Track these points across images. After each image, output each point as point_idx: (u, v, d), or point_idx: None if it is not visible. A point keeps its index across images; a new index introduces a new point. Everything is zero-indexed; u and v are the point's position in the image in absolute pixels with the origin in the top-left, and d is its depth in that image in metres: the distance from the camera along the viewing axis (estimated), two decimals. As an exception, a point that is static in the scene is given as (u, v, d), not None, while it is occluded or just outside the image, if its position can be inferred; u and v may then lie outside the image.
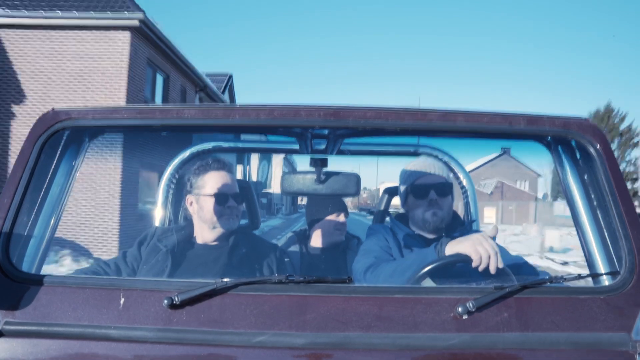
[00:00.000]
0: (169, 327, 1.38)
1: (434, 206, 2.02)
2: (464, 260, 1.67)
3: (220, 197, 2.00)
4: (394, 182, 2.45)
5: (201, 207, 2.03)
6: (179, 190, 2.39)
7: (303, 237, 2.59)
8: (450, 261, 1.70)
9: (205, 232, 2.03)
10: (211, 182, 2.02)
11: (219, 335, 1.37)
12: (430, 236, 2.06)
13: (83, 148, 1.80)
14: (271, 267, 2.01)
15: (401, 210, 2.24)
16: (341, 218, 2.56)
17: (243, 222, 2.30)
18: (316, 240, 2.56)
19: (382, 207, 2.88)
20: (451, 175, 2.21)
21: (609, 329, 1.41)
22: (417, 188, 2.06)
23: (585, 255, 1.68)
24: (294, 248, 2.54)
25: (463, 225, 2.19)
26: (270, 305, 1.41)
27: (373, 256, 1.93)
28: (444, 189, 2.06)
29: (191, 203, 2.07)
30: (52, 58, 12.52)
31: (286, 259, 2.21)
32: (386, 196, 2.88)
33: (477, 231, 2.50)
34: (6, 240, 1.49)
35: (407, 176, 2.14)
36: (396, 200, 2.71)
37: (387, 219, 2.83)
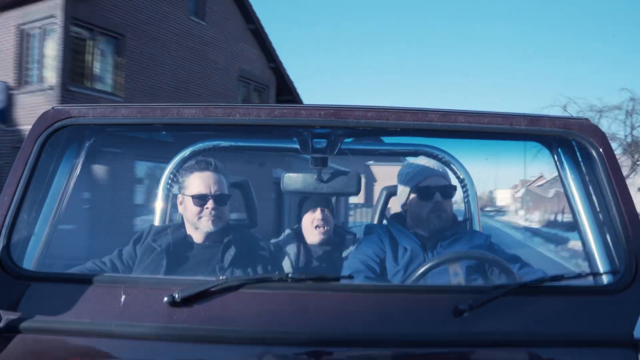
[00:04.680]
0: (170, 324, 1.38)
1: (440, 208, 2.03)
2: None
3: (200, 199, 2.00)
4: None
5: (185, 207, 2.05)
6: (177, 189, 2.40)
7: (299, 234, 2.59)
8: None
9: (192, 231, 2.04)
10: (194, 183, 2.03)
11: (219, 333, 1.37)
12: (425, 235, 2.07)
13: (84, 146, 1.81)
14: (266, 265, 2.01)
15: (398, 210, 2.24)
16: (325, 214, 2.54)
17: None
18: (307, 236, 2.55)
19: (380, 206, 2.89)
20: (451, 174, 2.22)
21: (609, 328, 1.41)
22: (423, 189, 2.06)
23: (585, 255, 1.68)
24: (291, 245, 2.53)
25: (460, 225, 2.19)
26: (271, 303, 1.41)
27: (360, 261, 1.97)
28: (449, 191, 2.07)
29: (180, 202, 2.09)
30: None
31: (282, 257, 2.21)
32: (384, 195, 2.89)
33: (474, 230, 2.50)
34: (7, 238, 1.49)
35: (411, 177, 2.13)
36: (394, 200, 2.71)
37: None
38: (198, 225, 2.01)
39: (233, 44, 15.85)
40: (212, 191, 2.01)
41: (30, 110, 11.33)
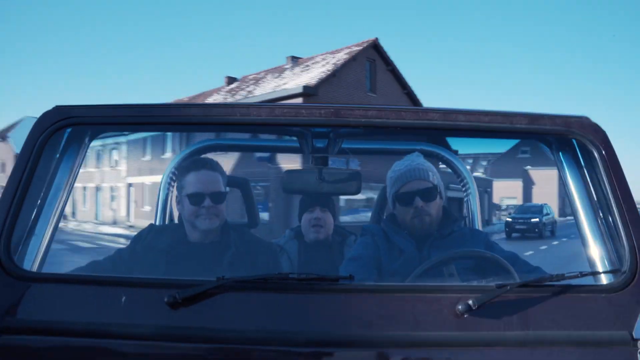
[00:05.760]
0: (170, 324, 1.38)
1: (421, 212, 2.02)
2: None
3: (196, 197, 1.99)
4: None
5: (183, 207, 2.05)
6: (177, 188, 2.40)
7: (299, 234, 2.59)
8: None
9: (191, 231, 2.04)
10: (190, 182, 2.03)
11: (220, 333, 1.37)
12: (419, 235, 2.05)
13: (84, 146, 1.81)
14: (266, 265, 2.00)
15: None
16: (323, 214, 2.54)
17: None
18: (306, 236, 2.56)
19: (377, 206, 2.88)
20: (437, 176, 2.16)
21: (610, 327, 1.41)
22: (402, 196, 2.04)
23: (586, 254, 1.68)
24: (291, 245, 2.53)
25: (456, 223, 2.18)
26: (272, 303, 1.42)
27: (356, 262, 1.96)
28: (430, 193, 2.04)
29: (178, 202, 2.09)
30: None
31: (282, 257, 2.20)
32: (381, 196, 2.88)
33: (474, 229, 2.50)
34: (8, 238, 1.49)
35: (392, 183, 2.11)
36: None
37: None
38: (195, 224, 2.00)
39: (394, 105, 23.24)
40: (208, 190, 2.00)
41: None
